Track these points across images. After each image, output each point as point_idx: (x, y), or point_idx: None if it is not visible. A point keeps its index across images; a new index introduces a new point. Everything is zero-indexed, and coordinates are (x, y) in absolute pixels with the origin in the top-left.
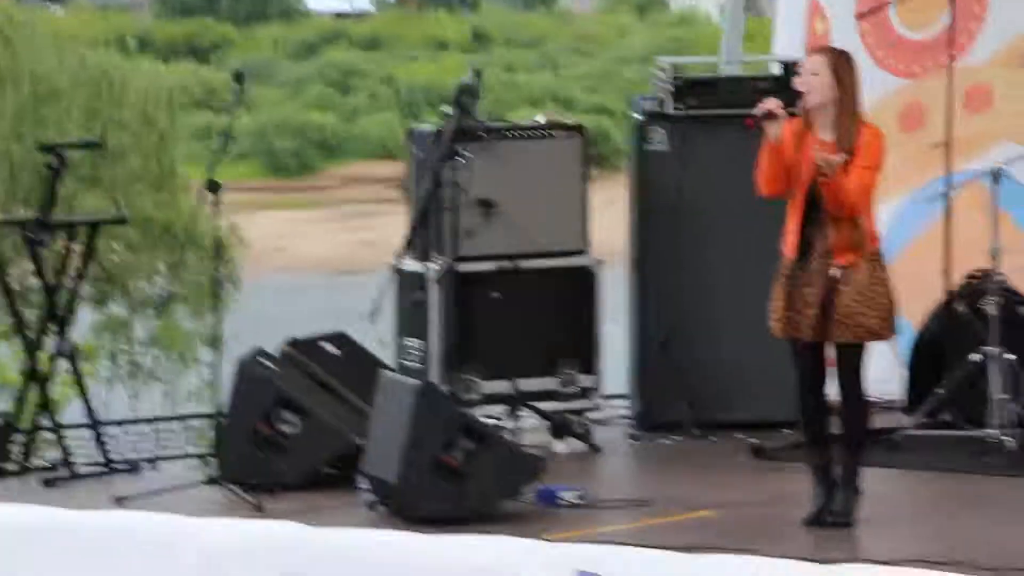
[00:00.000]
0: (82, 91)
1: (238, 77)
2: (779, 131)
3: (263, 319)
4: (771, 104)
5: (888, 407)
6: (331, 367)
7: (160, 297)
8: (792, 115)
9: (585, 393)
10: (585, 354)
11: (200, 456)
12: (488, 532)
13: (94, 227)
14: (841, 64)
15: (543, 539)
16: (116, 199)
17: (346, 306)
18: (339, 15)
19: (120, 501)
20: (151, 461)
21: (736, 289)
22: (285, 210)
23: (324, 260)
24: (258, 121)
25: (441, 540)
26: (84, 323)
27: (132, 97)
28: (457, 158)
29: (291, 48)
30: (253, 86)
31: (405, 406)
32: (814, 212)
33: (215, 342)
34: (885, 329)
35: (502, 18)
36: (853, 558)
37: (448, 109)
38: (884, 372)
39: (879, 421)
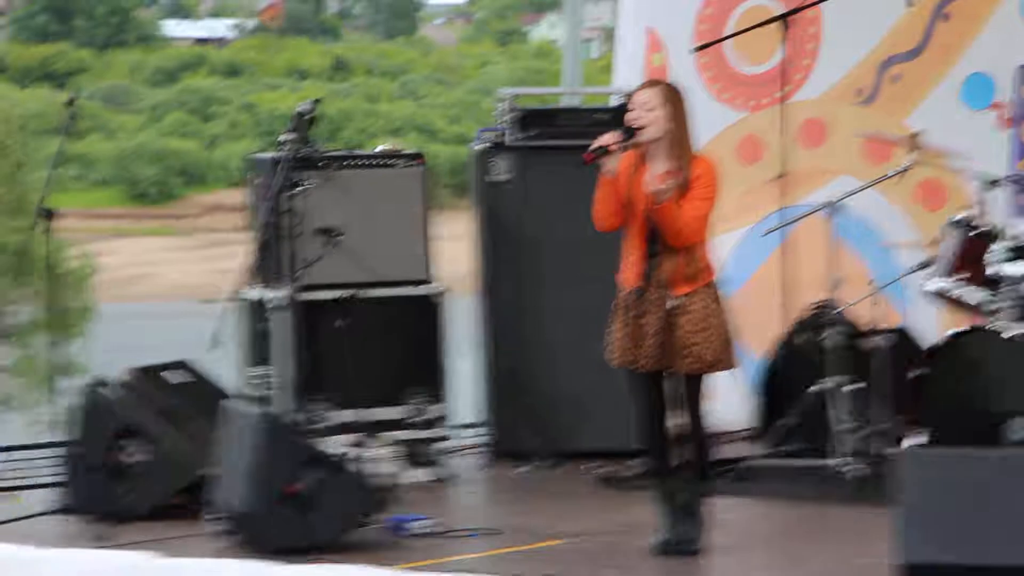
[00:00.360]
0: None
1: (70, 102)
2: (615, 165)
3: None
4: (606, 139)
5: (737, 437)
6: (174, 395)
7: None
8: (627, 148)
9: (433, 422)
10: (432, 383)
11: (47, 486)
12: (336, 562)
13: None
14: (673, 96)
15: (392, 568)
16: None
17: (207, 333)
18: (199, 41)
19: None
20: (4, 490)
21: (579, 320)
22: (147, 237)
23: (185, 287)
24: (118, 147)
25: (288, 570)
26: None
27: None
28: (297, 186)
29: (150, 74)
30: (111, 112)
31: (248, 436)
32: (652, 244)
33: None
34: (723, 360)
35: (363, 48)
36: None
37: (285, 137)
38: (733, 402)
39: (729, 451)
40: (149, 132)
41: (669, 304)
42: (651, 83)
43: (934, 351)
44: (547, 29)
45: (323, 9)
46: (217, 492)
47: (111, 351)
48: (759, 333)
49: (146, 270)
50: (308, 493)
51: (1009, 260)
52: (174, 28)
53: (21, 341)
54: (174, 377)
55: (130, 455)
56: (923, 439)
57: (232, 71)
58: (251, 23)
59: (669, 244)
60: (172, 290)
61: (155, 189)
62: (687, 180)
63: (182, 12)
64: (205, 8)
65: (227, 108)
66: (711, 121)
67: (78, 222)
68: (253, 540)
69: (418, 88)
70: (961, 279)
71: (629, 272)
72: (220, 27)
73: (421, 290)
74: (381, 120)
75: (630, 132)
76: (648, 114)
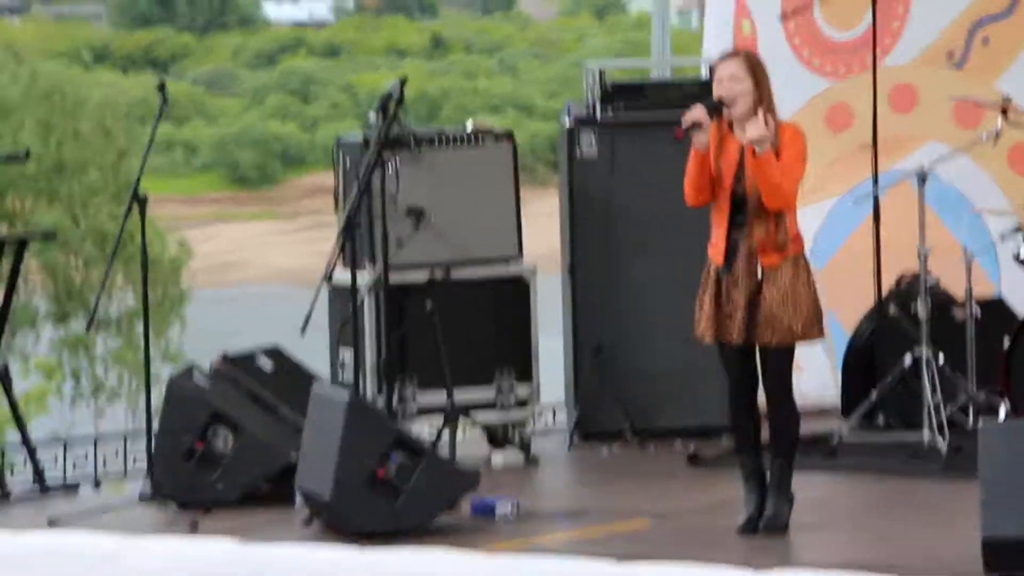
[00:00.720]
0: (34, 105)
1: (161, 87)
2: (706, 139)
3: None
4: (697, 113)
5: (825, 412)
6: (265, 382)
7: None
8: (716, 121)
9: (522, 402)
10: (521, 363)
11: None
12: (423, 545)
13: (22, 244)
14: (756, 66)
15: (479, 551)
16: (75, 214)
17: (300, 318)
18: (299, 23)
19: (53, 522)
20: (97, 482)
21: (669, 296)
22: (248, 221)
23: (286, 271)
24: (220, 132)
25: (376, 555)
26: (45, 340)
27: (88, 110)
28: (385, 167)
29: (250, 57)
30: (213, 96)
31: (336, 420)
32: (739, 216)
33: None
34: (810, 330)
35: (461, 24)
36: (786, 564)
37: (373, 118)
38: (822, 377)
39: (816, 426)
40: (250, 115)
41: (756, 275)
42: (733, 54)
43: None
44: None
45: None
46: (305, 478)
47: (210, 337)
48: (850, 304)
49: (247, 255)
50: (394, 478)
51: None
52: (274, 10)
53: (122, 329)
54: (265, 363)
55: (220, 442)
56: (1008, 411)
57: (331, 52)
58: (349, 3)
59: (760, 210)
60: (274, 274)
61: (256, 173)
62: (776, 147)
63: None
64: None
65: (327, 89)
66: (800, 88)
67: (180, 208)
68: (340, 525)
69: (516, 63)
70: None
71: (717, 245)
72: (319, 8)
73: (511, 269)
74: (480, 97)
75: (719, 106)
76: (736, 86)
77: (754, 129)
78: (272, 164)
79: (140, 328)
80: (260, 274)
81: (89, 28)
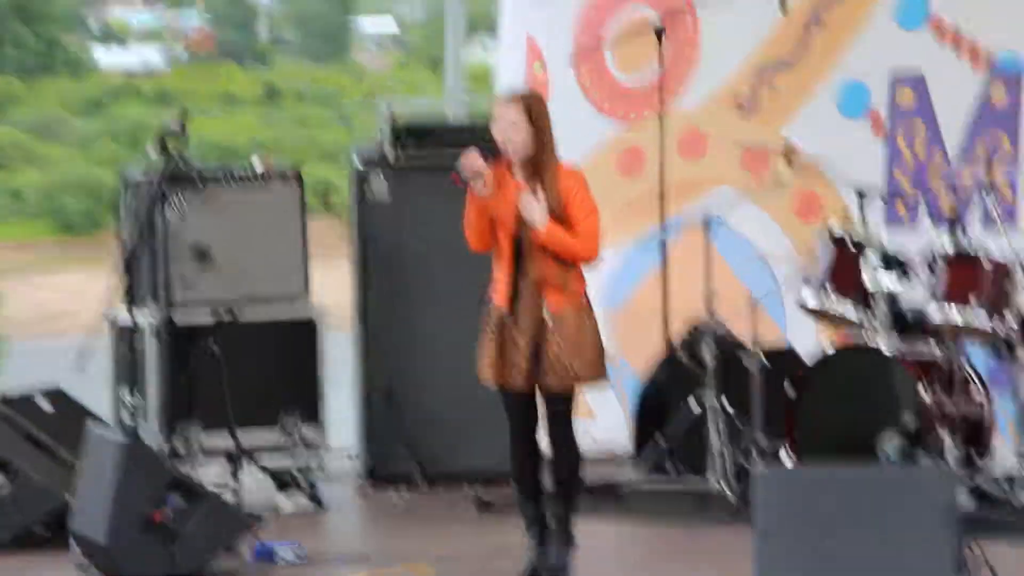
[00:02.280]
0: None
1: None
2: (483, 184)
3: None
4: (472, 160)
5: (618, 459)
6: (45, 423)
7: None
8: (493, 165)
9: (309, 445)
10: (309, 405)
11: None
12: None
13: None
14: (535, 108)
15: None
16: None
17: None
18: (129, 73)
19: None
20: None
21: (458, 340)
22: (74, 271)
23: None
24: (47, 179)
25: None
26: None
27: None
28: (168, 203)
29: (79, 104)
30: (41, 143)
31: (111, 462)
32: (520, 261)
33: None
34: (594, 375)
35: (294, 73)
36: None
37: (151, 153)
38: (614, 423)
39: (607, 472)
40: (78, 162)
41: (543, 319)
42: (511, 97)
43: (808, 368)
44: (481, 53)
45: (253, 35)
46: (80, 521)
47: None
48: (642, 350)
49: (72, 305)
50: (171, 521)
51: (882, 271)
52: (104, 56)
53: None
54: (45, 404)
55: None
56: (792, 458)
57: (163, 99)
58: (181, 50)
59: (543, 252)
60: (99, 323)
61: (84, 220)
62: (557, 194)
63: (112, 38)
64: (135, 35)
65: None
66: (592, 132)
67: (7, 253)
68: (115, 570)
69: (351, 114)
70: (835, 291)
71: (499, 290)
72: (151, 55)
73: (297, 309)
74: (314, 146)
75: (490, 149)
76: (511, 128)
77: (527, 211)
78: (100, 211)
79: None
80: (87, 324)
81: None
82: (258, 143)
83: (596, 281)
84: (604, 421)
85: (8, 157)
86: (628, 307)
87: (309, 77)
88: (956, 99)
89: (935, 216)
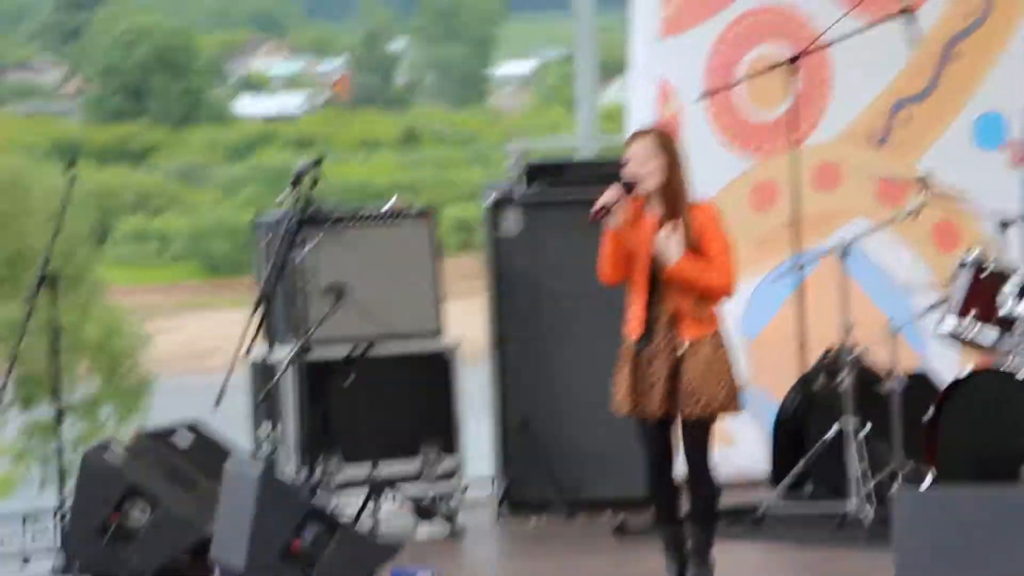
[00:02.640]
0: None
1: (70, 164)
2: (619, 219)
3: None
4: (608, 195)
5: (756, 484)
6: (183, 456)
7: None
8: (628, 201)
9: (448, 475)
10: (445, 436)
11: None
12: None
13: None
14: (666, 144)
15: None
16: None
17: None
18: (269, 120)
19: None
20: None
21: (594, 370)
22: (220, 308)
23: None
24: (193, 223)
25: None
26: (14, 426)
27: (40, 202)
28: (303, 245)
29: (223, 151)
30: (187, 189)
31: (248, 494)
32: (656, 291)
33: None
34: (730, 404)
35: (433, 117)
36: None
37: (283, 197)
38: (752, 449)
39: (745, 497)
40: (222, 207)
41: (677, 349)
42: (643, 132)
43: (947, 393)
44: (616, 93)
45: (392, 80)
46: (220, 551)
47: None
48: (777, 379)
49: (222, 343)
50: (309, 549)
51: (1020, 299)
52: (246, 104)
53: (83, 415)
54: (184, 438)
55: (135, 516)
56: (932, 482)
57: (304, 144)
58: (321, 96)
59: (676, 294)
60: (237, 361)
61: (229, 263)
62: (691, 229)
63: (254, 88)
64: (276, 84)
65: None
66: (724, 169)
67: (155, 297)
68: None
69: (489, 154)
70: (973, 319)
71: (634, 321)
72: (291, 102)
73: (432, 344)
74: (453, 188)
75: (628, 187)
76: (641, 166)
77: (662, 248)
78: (244, 253)
79: (104, 413)
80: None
81: (62, 123)
82: (397, 185)
83: (733, 312)
84: (743, 448)
85: (155, 203)
86: (765, 337)
87: (447, 120)
88: None
89: None
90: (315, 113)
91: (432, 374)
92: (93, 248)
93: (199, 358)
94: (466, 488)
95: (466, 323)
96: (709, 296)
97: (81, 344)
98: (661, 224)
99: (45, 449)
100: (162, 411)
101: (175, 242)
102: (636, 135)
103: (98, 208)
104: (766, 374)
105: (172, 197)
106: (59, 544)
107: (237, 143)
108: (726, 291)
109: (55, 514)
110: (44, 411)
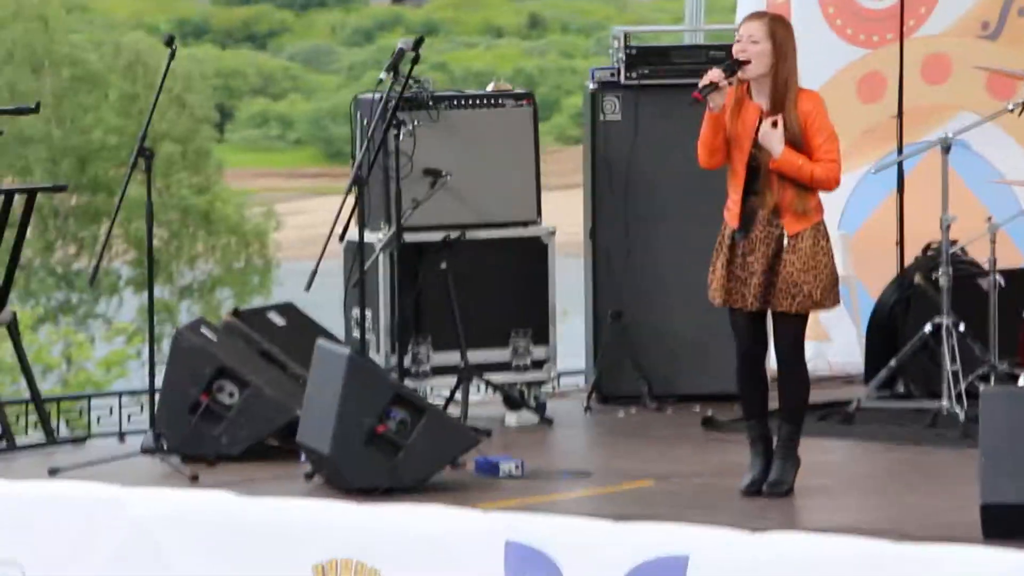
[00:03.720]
0: (118, 76)
1: (169, 41)
2: (721, 101)
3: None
4: (713, 75)
5: (851, 380)
6: (276, 338)
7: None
8: (732, 83)
9: (538, 364)
10: (538, 325)
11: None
12: (423, 502)
13: (31, 196)
14: (779, 30)
15: (475, 508)
16: (157, 186)
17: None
18: (396, 1)
19: (53, 471)
20: (113, 435)
21: (691, 261)
22: (340, 194)
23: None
24: (315, 108)
25: (374, 510)
26: (131, 306)
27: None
28: (402, 126)
29: (348, 35)
30: (311, 72)
31: (336, 376)
32: (756, 181)
33: None
34: (827, 299)
35: (558, 5)
36: (785, 526)
37: (384, 76)
38: (848, 346)
39: (839, 393)
40: (346, 92)
41: (778, 240)
42: (757, 15)
43: None
44: None
45: None
46: (306, 433)
47: (307, 307)
48: (878, 273)
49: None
50: (394, 434)
51: None
52: None
53: (204, 298)
54: (277, 319)
55: (225, 396)
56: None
57: (428, 30)
58: None
59: (779, 176)
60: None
61: (348, 147)
62: (796, 118)
63: None
64: None
65: (422, 67)
66: (833, 57)
67: (277, 181)
68: (340, 480)
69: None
70: None
71: (733, 209)
72: None
73: (529, 231)
74: (577, 76)
75: (734, 67)
76: (752, 47)
77: (765, 139)
78: None
79: (221, 294)
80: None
81: (188, 3)
82: (521, 73)
83: (835, 205)
84: (839, 344)
85: (278, 87)
86: (866, 231)
87: (574, 8)
88: None
89: None
90: None
91: (527, 261)
92: (215, 130)
93: (318, 244)
94: (557, 378)
95: (568, 214)
96: (814, 187)
97: (205, 224)
98: (764, 112)
99: (160, 330)
100: (281, 295)
101: (297, 126)
102: (750, 17)
103: (222, 90)
104: (866, 269)
105: (295, 81)
106: (149, 422)
107: (362, 27)
108: (831, 183)
109: (150, 394)
110: (160, 293)
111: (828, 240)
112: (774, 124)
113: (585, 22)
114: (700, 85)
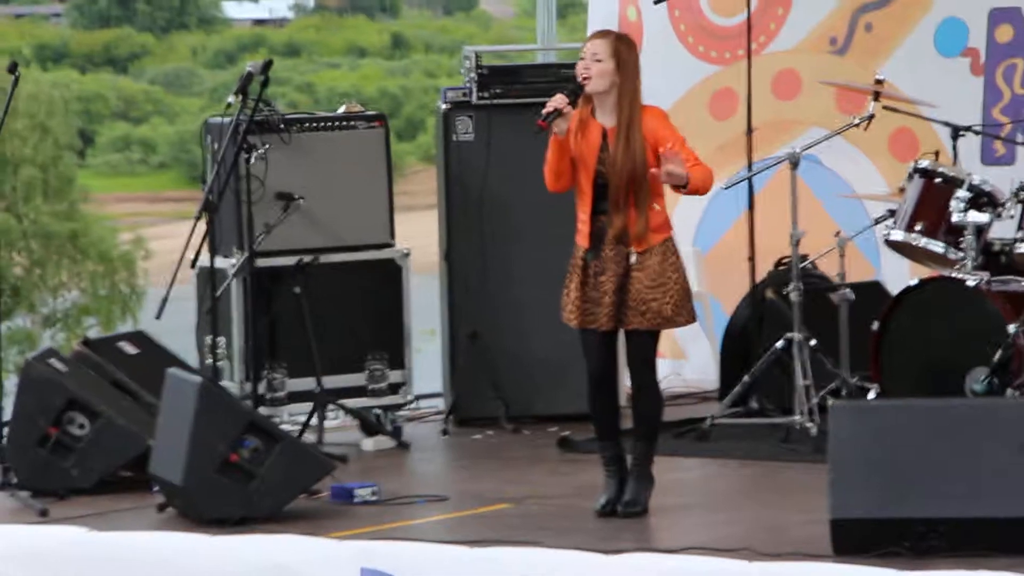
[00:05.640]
0: None
1: (12, 68)
2: (566, 126)
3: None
4: (557, 102)
5: (707, 398)
6: (128, 367)
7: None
8: (575, 105)
9: (395, 388)
10: (394, 349)
11: None
12: (278, 531)
13: None
14: (622, 48)
15: (329, 537)
16: (18, 213)
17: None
18: (258, 22)
19: None
20: None
21: (544, 281)
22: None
23: None
24: (178, 131)
25: (227, 541)
26: None
27: (23, 106)
28: (253, 150)
29: (210, 57)
30: (172, 96)
31: (188, 405)
32: (603, 200)
33: None
34: (679, 315)
35: (422, 24)
36: (640, 547)
37: (232, 100)
38: (704, 363)
39: (695, 411)
40: (209, 114)
41: (627, 259)
42: (602, 33)
43: (894, 304)
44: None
45: None
46: (159, 463)
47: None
48: (732, 290)
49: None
50: (248, 462)
51: (971, 208)
52: (234, 9)
53: (68, 325)
54: (130, 348)
55: (75, 428)
56: (877, 393)
57: (291, 51)
58: (310, 2)
59: (625, 193)
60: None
61: None
62: (640, 135)
63: None
64: None
65: (285, 88)
66: (686, 75)
67: (142, 206)
68: (193, 511)
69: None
70: (923, 226)
71: (583, 229)
72: (280, 6)
73: (383, 253)
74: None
75: (577, 90)
76: (596, 65)
77: (670, 177)
78: None
79: (88, 323)
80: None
81: (47, 27)
82: (385, 93)
83: (689, 222)
84: (695, 361)
85: (140, 110)
86: (720, 247)
87: (436, 27)
88: None
89: None
90: (302, 19)
91: (382, 284)
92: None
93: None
94: (413, 402)
95: (422, 235)
96: (702, 192)
97: (70, 251)
98: (608, 130)
99: (20, 361)
100: (147, 323)
101: (160, 150)
102: (595, 35)
103: (82, 114)
104: (721, 286)
105: (157, 104)
106: (4, 456)
107: (224, 49)
108: (710, 179)
109: None
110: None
111: (678, 256)
112: (672, 152)
113: (448, 41)
114: (544, 112)
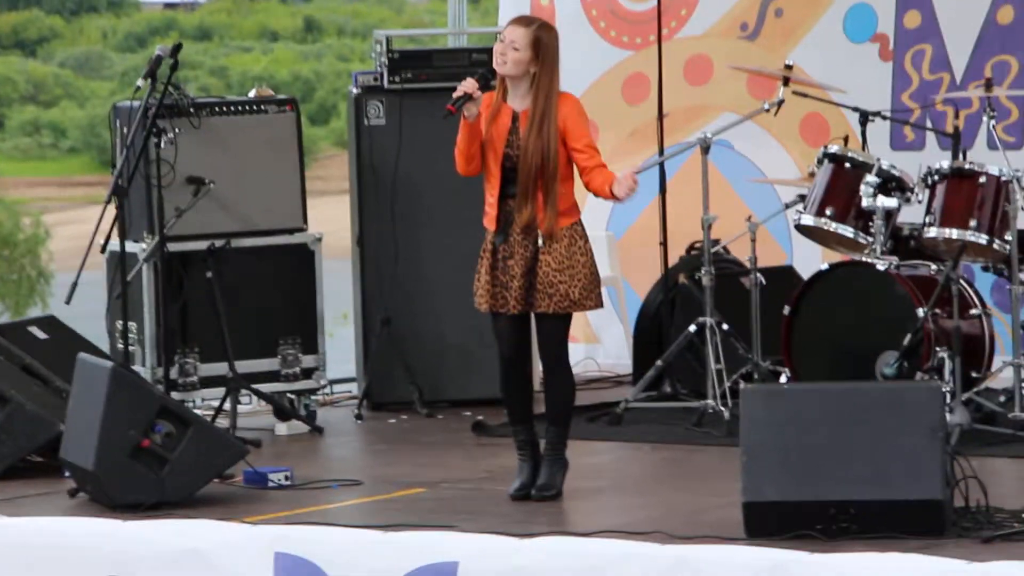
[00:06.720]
0: None
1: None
2: (476, 111)
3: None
4: (467, 86)
5: (621, 382)
6: (38, 352)
7: None
8: (486, 90)
9: (308, 373)
10: (307, 333)
11: None
12: (191, 516)
13: None
14: (543, 37)
15: (243, 522)
16: None
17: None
18: (168, 5)
19: None
20: None
21: (457, 266)
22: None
23: None
24: (88, 115)
25: (139, 526)
26: None
27: None
28: (162, 134)
29: (120, 40)
30: (83, 79)
31: (99, 390)
32: (511, 185)
33: None
34: (587, 299)
35: (334, 8)
36: (553, 530)
37: (141, 83)
38: (618, 347)
39: (609, 395)
40: (120, 98)
41: (533, 244)
42: (524, 21)
43: (805, 288)
44: None
45: None
46: (69, 448)
47: (73, 320)
48: (646, 274)
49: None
50: (160, 447)
51: (880, 190)
52: None
53: None
54: (40, 333)
55: None
56: (789, 377)
57: (203, 35)
58: None
59: (534, 178)
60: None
61: None
62: (555, 122)
63: None
64: None
65: (198, 72)
66: (598, 59)
67: (51, 191)
68: (105, 496)
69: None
70: (832, 211)
71: (489, 214)
72: None
73: (295, 238)
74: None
75: (488, 75)
76: (513, 53)
77: (624, 192)
78: None
79: None
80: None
81: None
82: (298, 77)
83: (603, 206)
84: (608, 345)
85: (49, 94)
86: (634, 231)
87: (349, 11)
88: (963, 20)
89: (941, 139)
90: (215, 2)
91: (294, 269)
92: None
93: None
94: (327, 387)
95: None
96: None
97: None
98: (519, 113)
99: None
100: (56, 308)
101: (70, 134)
102: (516, 21)
103: None
104: (634, 270)
105: (67, 87)
106: None
107: (134, 32)
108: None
109: None
110: None
111: (586, 240)
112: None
113: (361, 25)
114: (454, 96)
